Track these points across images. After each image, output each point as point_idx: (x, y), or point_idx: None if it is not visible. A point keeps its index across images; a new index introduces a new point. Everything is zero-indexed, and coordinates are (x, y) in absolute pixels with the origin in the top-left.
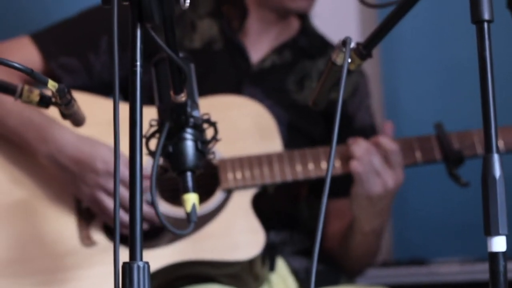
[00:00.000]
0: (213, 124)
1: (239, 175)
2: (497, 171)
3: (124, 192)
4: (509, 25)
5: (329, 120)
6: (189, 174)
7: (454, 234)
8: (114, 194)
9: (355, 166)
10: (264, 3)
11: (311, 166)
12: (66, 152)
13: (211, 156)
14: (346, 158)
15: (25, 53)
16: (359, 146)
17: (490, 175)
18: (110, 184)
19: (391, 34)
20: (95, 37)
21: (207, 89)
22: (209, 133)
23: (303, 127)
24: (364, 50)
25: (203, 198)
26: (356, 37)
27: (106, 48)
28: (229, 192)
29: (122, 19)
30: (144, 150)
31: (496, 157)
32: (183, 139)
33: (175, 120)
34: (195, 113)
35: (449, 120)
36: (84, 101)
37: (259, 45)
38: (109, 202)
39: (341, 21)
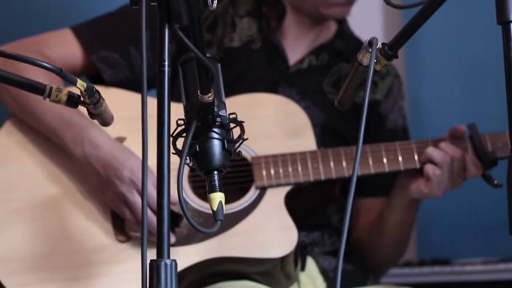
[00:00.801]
0: (239, 124)
1: (272, 172)
2: None
3: (150, 191)
4: None
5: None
6: (215, 173)
7: (477, 234)
8: (142, 195)
9: (433, 170)
10: (300, 9)
11: (344, 164)
12: (99, 155)
13: (237, 156)
14: (409, 155)
15: (67, 45)
16: (438, 152)
17: None
18: (131, 194)
19: (415, 34)
20: (136, 31)
21: (245, 88)
22: (236, 132)
23: (337, 128)
24: (390, 51)
25: (237, 195)
26: (380, 38)
27: (148, 43)
28: (263, 190)
29: (152, 19)
30: (172, 150)
31: None
32: (209, 139)
33: (202, 120)
34: (222, 113)
35: (473, 120)
36: (121, 96)
37: (297, 46)
38: (127, 212)
39: (366, 21)
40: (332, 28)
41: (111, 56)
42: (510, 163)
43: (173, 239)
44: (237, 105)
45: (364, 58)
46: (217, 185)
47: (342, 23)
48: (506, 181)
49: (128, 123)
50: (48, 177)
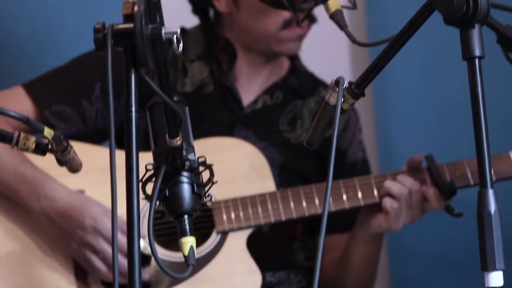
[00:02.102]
0: (209, 167)
1: (233, 216)
2: (493, 206)
3: (120, 239)
4: (501, 59)
5: (322, 158)
6: (186, 217)
7: (451, 269)
8: (112, 243)
9: (391, 204)
10: (251, 47)
11: (304, 203)
12: (57, 208)
13: (207, 199)
14: (368, 190)
15: (19, 102)
16: (395, 185)
17: (485, 211)
18: (97, 242)
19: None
20: (88, 83)
21: (200, 132)
22: (205, 175)
23: (296, 166)
24: (356, 89)
25: (198, 241)
26: (348, 75)
27: (100, 95)
28: (224, 234)
29: (114, 64)
30: (141, 195)
31: (491, 192)
32: (179, 183)
33: (171, 164)
34: (190, 156)
35: (442, 154)
36: (78, 149)
37: (250, 87)
38: (96, 260)
39: (333, 59)
40: (284, 65)
41: (64, 111)
42: (479, 197)
43: (146, 275)
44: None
45: (331, 97)
46: (187, 229)
47: (294, 59)
48: (476, 216)
49: (85, 176)
50: (7, 234)
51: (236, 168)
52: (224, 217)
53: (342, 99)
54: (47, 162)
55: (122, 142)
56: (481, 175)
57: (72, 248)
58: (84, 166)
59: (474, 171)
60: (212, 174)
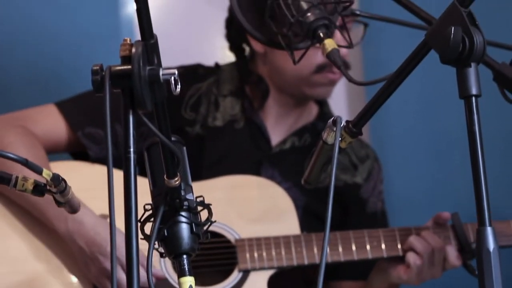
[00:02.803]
0: (207, 206)
1: (256, 255)
2: (491, 244)
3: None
4: (497, 96)
5: (343, 205)
6: (185, 257)
7: None
8: (111, 277)
9: (414, 259)
10: (283, 89)
11: (328, 250)
12: (83, 232)
13: (206, 239)
14: (392, 243)
15: (52, 121)
16: (420, 242)
17: (484, 249)
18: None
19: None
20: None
21: (228, 167)
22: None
23: (319, 210)
24: (354, 128)
25: (220, 278)
26: (344, 114)
27: (105, 130)
28: (246, 273)
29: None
30: (140, 235)
31: (489, 230)
32: (177, 223)
33: (169, 204)
34: (189, 196)
35: (439, 192)
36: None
37: (279, 127)
38: None
39: (330, 98)
40: (313, 110)
41: (97, 133)
42: (478, 235)
43: None
44: (221, 187)
45: (329, 137)
46: (186, 269)
47: (323, 105)
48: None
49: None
50: (31, 252)
51: (262, 207)
52: (247, 255)
53: (340, 138)
54: (77, 185)
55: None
56: (480, 213)
57: (92, 273)
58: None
59: (499, 233)
60: (210, 213)
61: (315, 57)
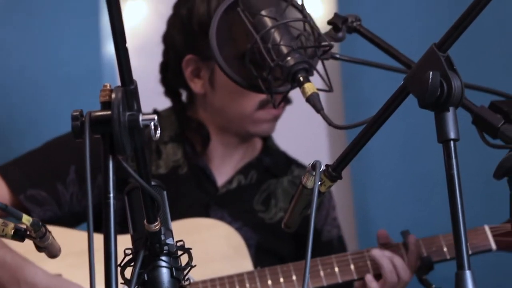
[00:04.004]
0: (187, 251)
1: None
2: None
3: None
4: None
5: (297, 237)
6: None
7: None
8: None
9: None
10: (226, 128)
11: (282, 280)
12: None
13: (186, 283)
14: (345, 267)
15: None
16: (384, 258)
17: None
18: None
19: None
20: (62, 167)
21: (176, 213)
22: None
23: (272, 246)
24: (333, 172)
25: None
26: (326, 156)
27: (75, 178)
28: None
29: (90, 148)
30: (120, 279)
31: (468, 274)
32: (157, 267)
33: (150, 249)
34: (169, 241)
35: (420, 232)
36: (54, 232)
37: (224, 167)
38: None
39: (311, 139)
40: (257, 145)
41: (39, 194)
42: (457, 279)
43: None
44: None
45: (308, 181)
46: None
47: (267, 139)
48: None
49: (62, 260)
50: None
51: (213, 248)
52: None
53: (319, 182)
54: (26, 247)
55: (99, 226)
56: (458, 256)
57: None
58: (62, 250)
59: (450, 245)
60: (190, 258)
61: (257, 94)
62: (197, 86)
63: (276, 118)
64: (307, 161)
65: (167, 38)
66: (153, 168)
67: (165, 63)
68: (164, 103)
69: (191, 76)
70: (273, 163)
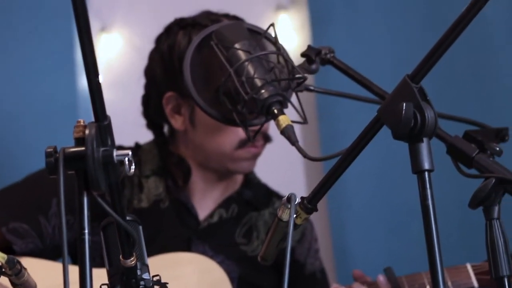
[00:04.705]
0: (163, 285)
1: None
2: None
3: None
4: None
5: (279, 270)
6: None
7: None
8: None
9: None
10: (206, 165)
11: None
12: None
13: None
14: None
15: None
16: None
17: None
18: None
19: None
20: (44, 200)
21: (157, 248)
22: None
23: (254, 279)
24: (309, 204)
25: None
26: (302, 186)
27: (57, 211)
28: None
29: (68, 182)
30: None
31: None
32: None
33: (125, 284)
34: (145, 276)
35: (398, 264)
36: (35, 265)
37: (205, 201)
38: None
39: (288, 171)
40: (238, 178)
41: (21, 227)
42: None
43: None
44: (152, 267)
45: (284, 214)
46: None
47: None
48: None
49: None
50: None
51: (194, 283)
52: None
53: (295, 215)
54: (4, 283)
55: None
56: (434, 286)
57: None
58: (41, 282)
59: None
60: None
61: (237, 132)
62: (177, 122)
63: (255, 157)
64: (284, 193)
65: (149, 72)
66: (135, 202)
67: (147, 96)
68: (146, 135)
69: (172, 113)
70: (254, 196)
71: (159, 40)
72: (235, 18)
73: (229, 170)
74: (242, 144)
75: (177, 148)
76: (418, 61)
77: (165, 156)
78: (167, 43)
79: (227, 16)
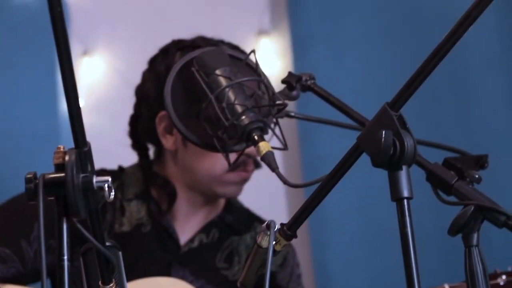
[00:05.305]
0: None
1: None
2: None
3: None
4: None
5: None
6: None
7: None
8: None
9: None
10: (193, 187)
11: None
12: None
13: None
14: None
15: None
16: None
17: None
18: None
19: None
20: (26, 223)
21: (137, 272)
22: None
23: None
24: (288, 231)
25: None
26: (284, 214)
27: (38, 235)
28: None
29: (50, 206)
30: None
31: None
32: None
33: None
34: None
35: (379, 284)
36: None
37: (187, 225)
38: None
39: (269, 196)
40: (220, 203)
41: (3, 252)
42: None
43: None
44: None
45: (263, 240)
46: None
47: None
48: None
49: None
50: None
51: None
52: None
53: (274, 241)
54: None
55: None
56: None
57: None
58: None
59: None
60: None
61: (229, 156)
62: (168, 142)
63: (244, 181)
64: (266, 217)
65: (141, 92)
66: (117, 225)
67: (136, 117)
68: (128, 158)
69: (164, 132)
70: (235, 220)
71: (154, 61)
72: (231, 45)
73: (216, 193)
74: (233, 167)
75: (163, 169)
76: (400, 86)
77: (150, 178)
78: (165, 63)
79: (222, 42)
